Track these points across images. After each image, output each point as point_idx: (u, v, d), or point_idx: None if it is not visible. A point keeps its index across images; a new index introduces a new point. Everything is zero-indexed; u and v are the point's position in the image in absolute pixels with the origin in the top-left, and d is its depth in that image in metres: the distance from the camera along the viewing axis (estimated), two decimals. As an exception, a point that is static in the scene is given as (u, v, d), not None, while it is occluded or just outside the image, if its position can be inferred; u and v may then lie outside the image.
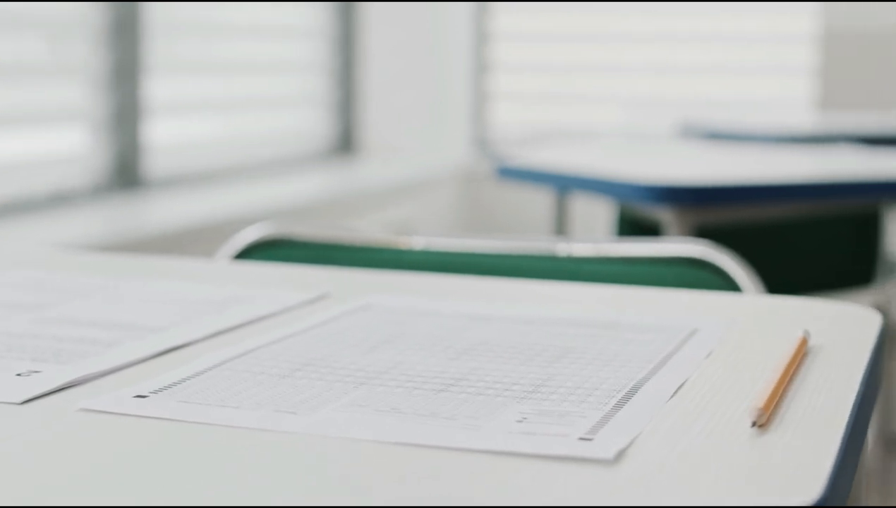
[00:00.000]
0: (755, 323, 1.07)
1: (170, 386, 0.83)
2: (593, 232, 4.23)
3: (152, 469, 0.69)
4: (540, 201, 4.79)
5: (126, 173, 3.70)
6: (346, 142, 4.98)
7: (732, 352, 0.95)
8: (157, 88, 3.80)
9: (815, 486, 0.66)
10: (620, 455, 0.71)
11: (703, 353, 0.94)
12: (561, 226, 2.92)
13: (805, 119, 4.12)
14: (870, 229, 2.93)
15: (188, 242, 3.35)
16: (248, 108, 4.53)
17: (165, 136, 3.89)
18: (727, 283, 1.39)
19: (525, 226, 4.89)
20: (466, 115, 5.12)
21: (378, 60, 4.97)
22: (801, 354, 0.92)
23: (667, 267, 1.42)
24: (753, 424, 0.76)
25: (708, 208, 2.23)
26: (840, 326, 1.05)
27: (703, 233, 2.18)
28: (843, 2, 4.39)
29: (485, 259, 1.49)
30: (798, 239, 2.77)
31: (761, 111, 4.70)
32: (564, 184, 2.52)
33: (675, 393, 0.83)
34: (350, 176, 4.70)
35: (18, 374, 0.85)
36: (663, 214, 2.20)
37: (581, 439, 0.73)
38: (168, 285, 1.18)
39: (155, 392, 0.82)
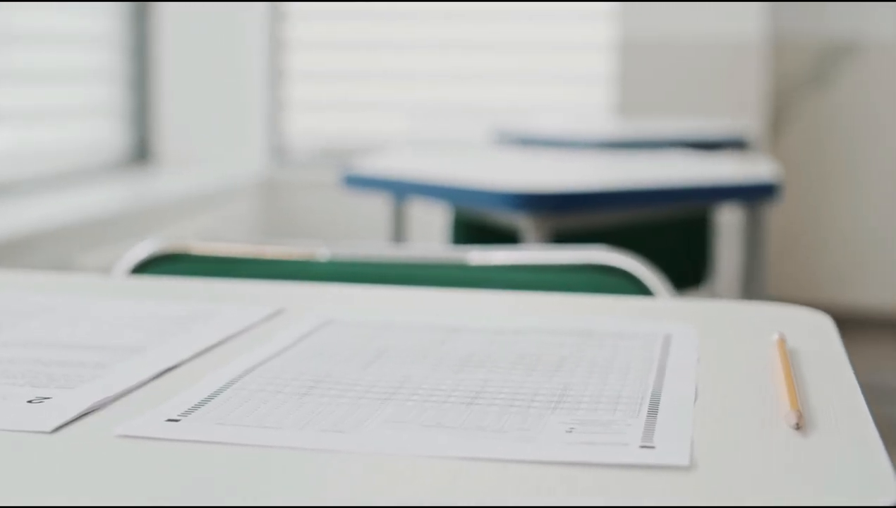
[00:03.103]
0: (717, 327, 1.09)
1: (195, 408, 0.81)
2: (428, 238, 4.25)
3: (226, 495, 0.67)
4: (341, 207, 4.79)
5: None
6: (141, 152, 4.89)
7: (716, 356, 0.98)
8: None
9: (891, 485, 0.69)
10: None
11: (693, 358, 0.96)
12: (399, 233, 2.93)
13: (607, 124, 4.21)
14: (700, 231, 3.02)
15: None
16: (40, 118, 4.39)
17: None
18: (637, 287, 1.42)
19: (327, 232, 4.88)
20: (263, 124, 5.07)
21: (173, 68, 4.89)
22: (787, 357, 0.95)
23: (576, 274, 1.44)
24: (797, 427, 0.78)
25: (564, 214, 2.26)
26: (793, 328, 1.08)
27: (560, 239, 2.22)
28: (640, 1, 4.51)
29: (394, 268, 1.49)
30: (637, 243, 2.84)
31: (559, 117, 4.80)
32: (413, 192, 2.53)
33: (696, 398, 0.85)
34: (147, 186, 4.62)
35: (29, 401, 0.81)
36: (522, 221, 2.23)
37: (643, 447, 0.74)
38: (108, 303, 1.14)
39: (183, 414, 0.80)
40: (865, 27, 4.68)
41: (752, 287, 2.59)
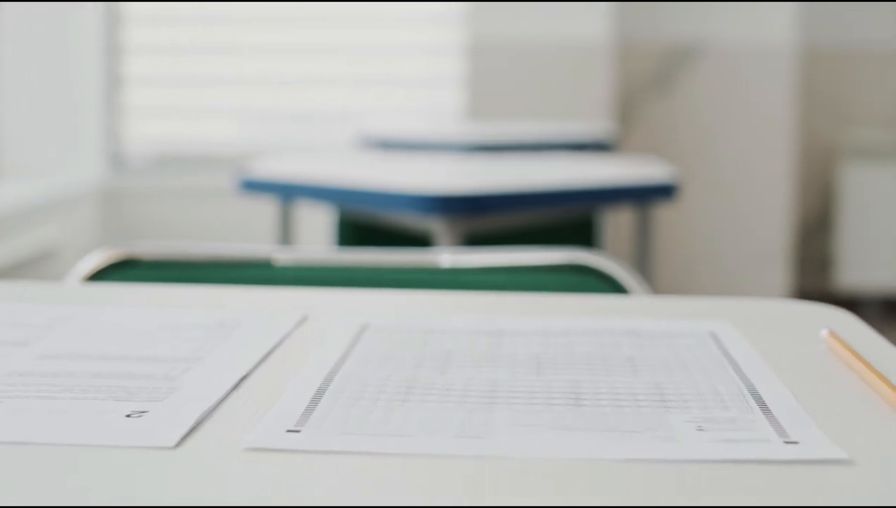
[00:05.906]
0: (749, 324, 1.10)
1: (303, 417, 0.78)
2: (308, 241, 4.19)
3: (379, 498, 0.64)
4: (183, 213, 4.72)
5: None
6: (-25, 160, 4.71)
7: (773, 353, 0.98)
8: None
9: None
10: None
11: (755, 355, 0.96)
12: (286, 236, 2.88)
13: (462, 127, 4.22)
14: (587, 233, 3.05)
15: None
16: None
17: None
18: (613, 286, 1.42)
19: (172, 239, 4.79)
20: (99, 130, 4.94)
21: (5, 74, 4.72)
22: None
23: (551, 275, 1.44)
24: (914, 417, 0.79)
25: (477, 217, 2.25)
26: (827, 323, 1.09)
27: (469, 242, 2.21)
28: (491, 1, 4.53)
29: (360, 272, 1.46)
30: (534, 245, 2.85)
31: (410, 120, 4.79)
32: (308, 195, 2.49)
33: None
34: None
35: (128, 416, 0.77)
36: (435, 224, 2.21)
37: (787, 443, 0.74)
38: (120, 312, 1.10)
39: (298, 425, 0.76)
40: (707, 31, 4.79)
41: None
